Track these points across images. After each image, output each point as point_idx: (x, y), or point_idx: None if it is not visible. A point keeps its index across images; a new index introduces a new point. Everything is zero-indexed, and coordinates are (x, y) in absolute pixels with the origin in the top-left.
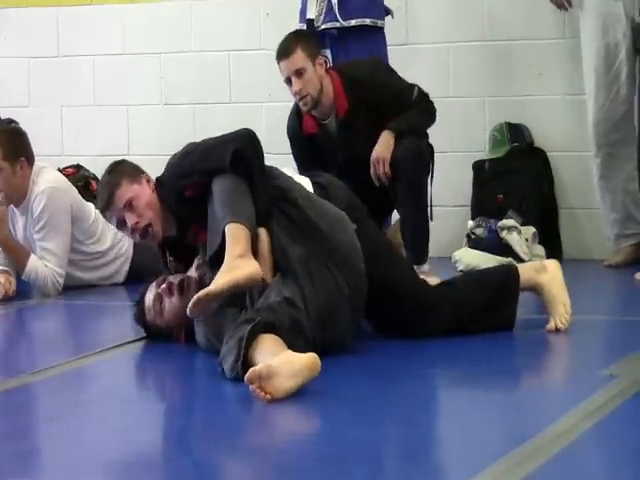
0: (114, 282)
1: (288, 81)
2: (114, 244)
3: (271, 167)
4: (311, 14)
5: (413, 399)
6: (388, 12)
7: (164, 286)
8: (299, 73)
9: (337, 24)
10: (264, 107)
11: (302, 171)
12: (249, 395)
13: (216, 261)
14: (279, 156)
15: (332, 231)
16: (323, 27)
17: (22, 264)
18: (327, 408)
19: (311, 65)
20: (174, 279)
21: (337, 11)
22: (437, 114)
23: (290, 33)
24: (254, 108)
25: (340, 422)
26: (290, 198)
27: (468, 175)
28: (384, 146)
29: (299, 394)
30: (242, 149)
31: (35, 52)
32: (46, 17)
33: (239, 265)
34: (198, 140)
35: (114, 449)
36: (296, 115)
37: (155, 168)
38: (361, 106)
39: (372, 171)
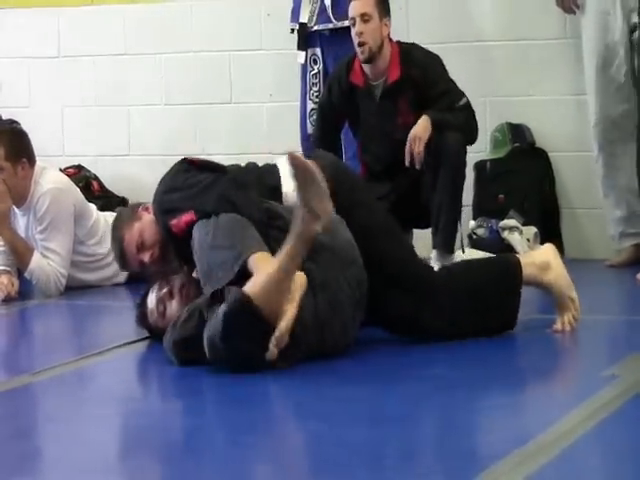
0: (115, 283)
1: (352, 22)
2: None
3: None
4: (304, 17)
5: (413, 400)
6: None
7: (165, 289)
8: (365, 18)
9: (330, 25)
10: (265, 107)
11: (321, 140)
12: (249, 396)
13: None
14: (280, 157)
15: (333, 234)
16: (316, 28)
17: (25, 262)
18: (326, 409)
19: (378, 19)
20: (175, 282)
21: (330, 12)
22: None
23: None
24: (255, 108)
25: (339, 423)
26: (276, 216)
27: (469, 175)
28: (423, 127)
29: (300, 395)
30: (227, 194)
31: (36, 52)
32: (47, 17)
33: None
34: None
35: (116, 449)
36: (348, 63)
37: (155, 168)
38: (409, 84)
39: (407, 148)
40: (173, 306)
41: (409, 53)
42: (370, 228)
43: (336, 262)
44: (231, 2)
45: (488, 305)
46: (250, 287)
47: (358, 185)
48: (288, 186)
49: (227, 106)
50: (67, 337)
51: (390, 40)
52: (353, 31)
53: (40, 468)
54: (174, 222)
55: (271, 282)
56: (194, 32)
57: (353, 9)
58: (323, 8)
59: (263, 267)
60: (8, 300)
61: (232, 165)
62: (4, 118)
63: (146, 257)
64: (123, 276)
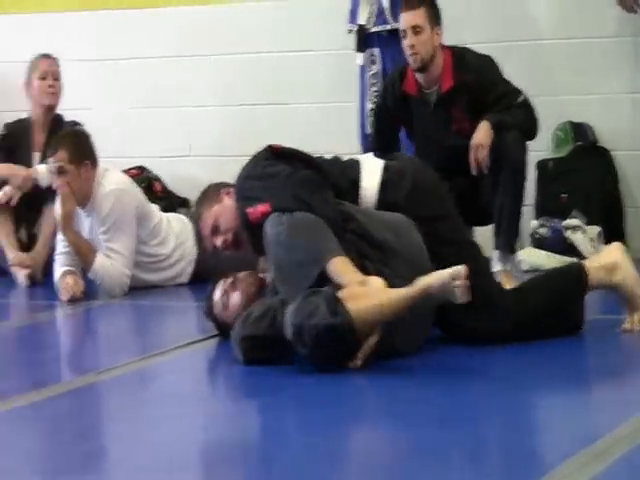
0: (178, 283)
1: (404, 34)
2: (177, 246)
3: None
4: (362, 19)
5: (480, 401)
6: None
7: (229, 281)
8: (416, 30)
9: (388, 26)
10: (321, 108)
11: (379, 140)
12: (317, 397)
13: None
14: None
15: (398, 239)
16: (374, 30)
17: (89, 263)
18: (395, 408)
19: (429, 29)
20: (239, 275)
21: (388, 13)
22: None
23: None
24: (311, 109)
25: (408, 423)
26: (350, 218)
27: (532, 174)
28: (484, 134)
29: (372, 395)
30: (302, 194)
31: (98, 55)
32: (107, 20)
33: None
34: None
35: (178, 449)
36: (401, 72)
37: (215, 169)
38: (463, 90)
39: (471, 156)
40: (235, 298)
41: (462, 59)
42: (450, 240)
43: (408, 268)
44: (287, 3)
45: (554, 319)
46: (356, 311)
47: (440, 192)
48: (367, 181)
49: (284, 107)
50: (131, 337)
51: (442, 47)
52: (404, 42)
53: (104, 467)
54: (250, 210)
55: (379, 312)
56: (252, 33)
57: (404, 21)
58: (381, 9)
59: (345, 273)
60: (73, 300)
61: (318, 157)
62: (67, 120)
63: (219, 241)
64: (186, 276)
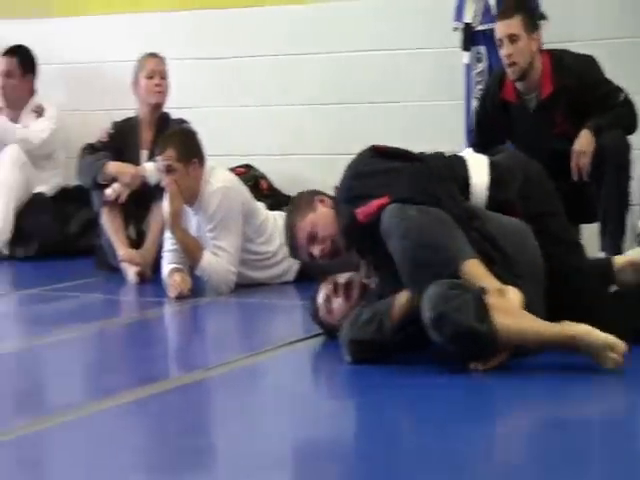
0: (284, 281)
1: (500, 43)
2: (283, 244)
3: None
4: (468, 17)
5: (588, 402)
6: (543, 17)
7: (330, 286)
8: (512, 39)
9: (492, 25)
10: (427, 106)
11: (480, 140)
12: (419, 397)
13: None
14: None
15: (517, 244)
16: (480, 28)
17: (196, 260)
18: (509, 408)
19: (526, 36)
20: (339, 280)
21: (495, 11)
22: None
23: None
24: (417, 107)
25: (518, 425)
26: (475, 216)
27: (638, 173)
28: (586, 141)
29: (474, 398)
30: (427, 185)
31: (207, 53)
32: (217, 19)
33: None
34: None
35: (287, 446)
36: (499, 78)
37: (322, 168)
38: (564, 95)
39: (573, 163)
40: (337, 303)
41: (561, 62)
42: (559, 239)
43: (527, 276)
44: (394, 1)
45: None
46: (503, 326)
47: (549, 188)
48: (477, 177)
49: (392, 105)
50: (237, 334)
51: (540, 51)
52: (501, 52)
53: (213, 463)
54: (362, 209)
55: (524, 338)
56: (358, 32)
57: (499, 31)
58: (487, 7)
59: (482, 278)
60: (181, 298)
61: (420, 153)
62: (174, 118)
63: (316, 250)
64: (292, 274)
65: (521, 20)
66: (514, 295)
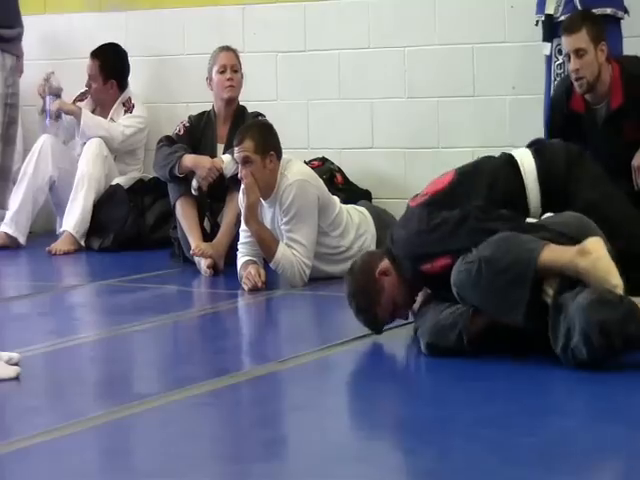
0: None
1: (567, 57)
2: (357, 237)
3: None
4: (550, 9)
5: None
6: (626, 11)
7: None
8: (579, 53)
9: None
10: (508, 100)
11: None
12: (489, 390)
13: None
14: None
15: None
16: (562, 19)
17: (271, 253)
18: (575, 405)
19: (593, 49)
20: None
21: (578, 1)
22: None
23: (579, 11)
24: (498, 101)
25: (589, 419)
26: (537, 228)
27: None
28: None
29: (549, 392)
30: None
31: (282, 47)
32: (293, 12)
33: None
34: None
35: (357, 439)
36: (567, 87)
37: (398, 162)
38: (635, 105)
39: (635, 177)
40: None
41: (632, 72)
42: (618, 222)
43: None
44: None
45: None
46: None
47: (600, 175)
48: (529, 177)
49: (470, 99)
50: (311, 327)
51: (608, 59)
52: (568, 66)
53: (283, 455)
54: (427, 266)
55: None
56: (437, 25)
57: (566, 45)
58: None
59: (560, 253)
60: (255, 290)
61: (463, 169)
62: (251, 111)
63: (403, 315)
64: None
65: (587, 32)
66: (596, 245)
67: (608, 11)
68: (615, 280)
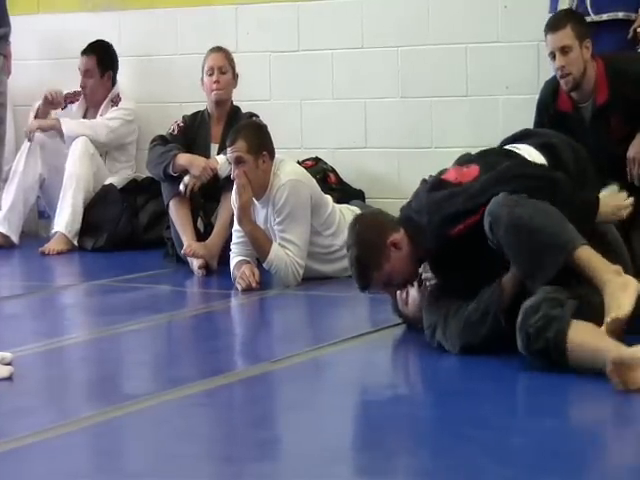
0: (351, 274)
1: (552, 56)
2: None
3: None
4: (564, 6)
5: None
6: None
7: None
8: (564, 50)
9: (587, 18)
10: (501, 100)
11: None
12: (483, 389)
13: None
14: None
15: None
16: None
17: (265, 253)
18: (566, 405)
19: (578, 46)
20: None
21: (589, 4)
22: None
23: (562, 10)
24: (491, 101)
25: (576, 419)
26: None
27: None
28: (639, 146)
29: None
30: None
31: (276, 46)
32: (287, 12)
33: (627, 281)
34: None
35: (351, 439)
36: (553, 89)
37: (391, 161)
38: (621, 101)
39: (629, 170)
40: (412, 294)
41: (617, 68)
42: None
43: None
44: None
45: None
46: (578, 336)
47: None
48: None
49: (463, 99)
50: (304, 327)
51: (593, 57)
52: (554, 64)
53: (277, 455)
54: (459, 228)
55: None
56: (431, 25)
57: (551, 43)
58: (581, 0)
59: (597, 261)
60: (248, 290)
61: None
62: (244, 111)
63: (390, 290)
64: None
65: (572, 29)
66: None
67: (620, 15)
68: (627, 308)
